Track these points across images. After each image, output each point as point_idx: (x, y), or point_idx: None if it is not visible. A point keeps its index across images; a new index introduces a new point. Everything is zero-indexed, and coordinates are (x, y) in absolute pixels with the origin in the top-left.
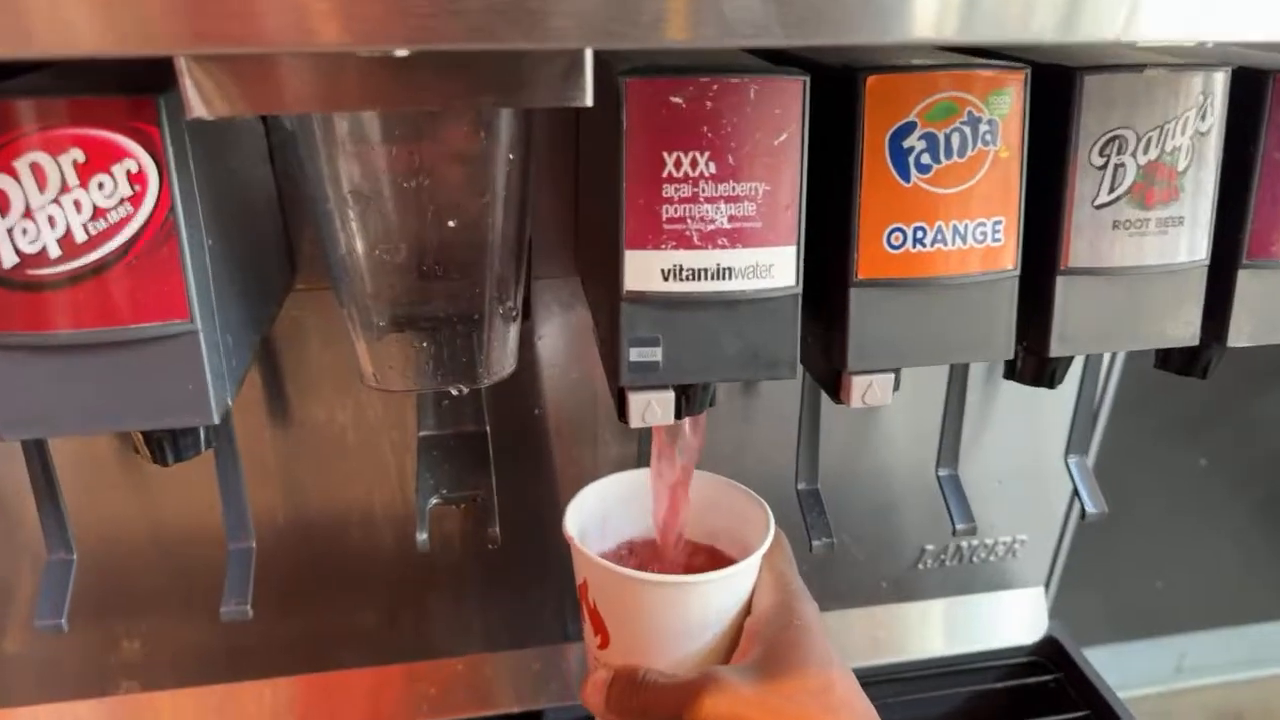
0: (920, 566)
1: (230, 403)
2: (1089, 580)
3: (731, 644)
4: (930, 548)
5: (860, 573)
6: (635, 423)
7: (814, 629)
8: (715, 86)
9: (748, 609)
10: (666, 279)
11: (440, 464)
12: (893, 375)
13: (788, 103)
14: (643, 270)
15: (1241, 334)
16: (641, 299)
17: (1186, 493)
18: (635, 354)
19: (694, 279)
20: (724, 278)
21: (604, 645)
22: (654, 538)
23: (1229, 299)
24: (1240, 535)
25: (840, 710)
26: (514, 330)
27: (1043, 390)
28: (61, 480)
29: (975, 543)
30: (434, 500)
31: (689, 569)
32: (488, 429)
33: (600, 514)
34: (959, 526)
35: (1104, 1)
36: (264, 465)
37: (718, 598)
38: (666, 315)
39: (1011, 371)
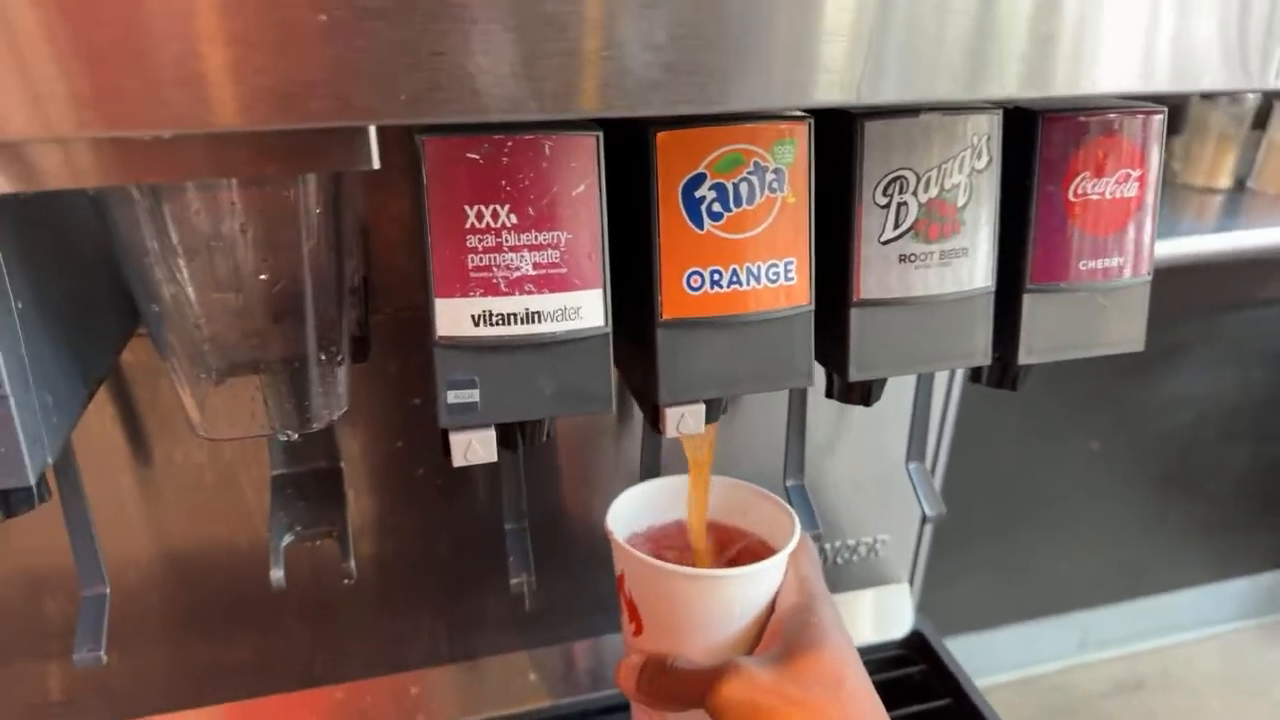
0: None
1: (50, 460)
2: (992, 564)
3: (756, 637)
4: None
5: None
6: (458, 461)
7: (831, 628)
8: (510, 143)
9: (773, 606)
10: (477, 324)
11: (294, 501)
12: (703, 405)
13: (583, 157)
14: (453, 317)
15: (1031, 353)
16: (454, 344)
17: (1082, 475)
18: (453, 396)
19: (504, 323)
20: (533, 321)
21: (638, 633)
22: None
23: (1017, 321)
24: (1134, 513)
25: (848, 702)
26: (342, 373)
27: (887, 402)
28: None
29: (839, 544)
30: (288, 538)
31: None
32: (341, 465)
33: (634, 512)
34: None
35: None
36: (124, 508)
37: (745, 592)
38: (480, 358)
39: (831, 392)
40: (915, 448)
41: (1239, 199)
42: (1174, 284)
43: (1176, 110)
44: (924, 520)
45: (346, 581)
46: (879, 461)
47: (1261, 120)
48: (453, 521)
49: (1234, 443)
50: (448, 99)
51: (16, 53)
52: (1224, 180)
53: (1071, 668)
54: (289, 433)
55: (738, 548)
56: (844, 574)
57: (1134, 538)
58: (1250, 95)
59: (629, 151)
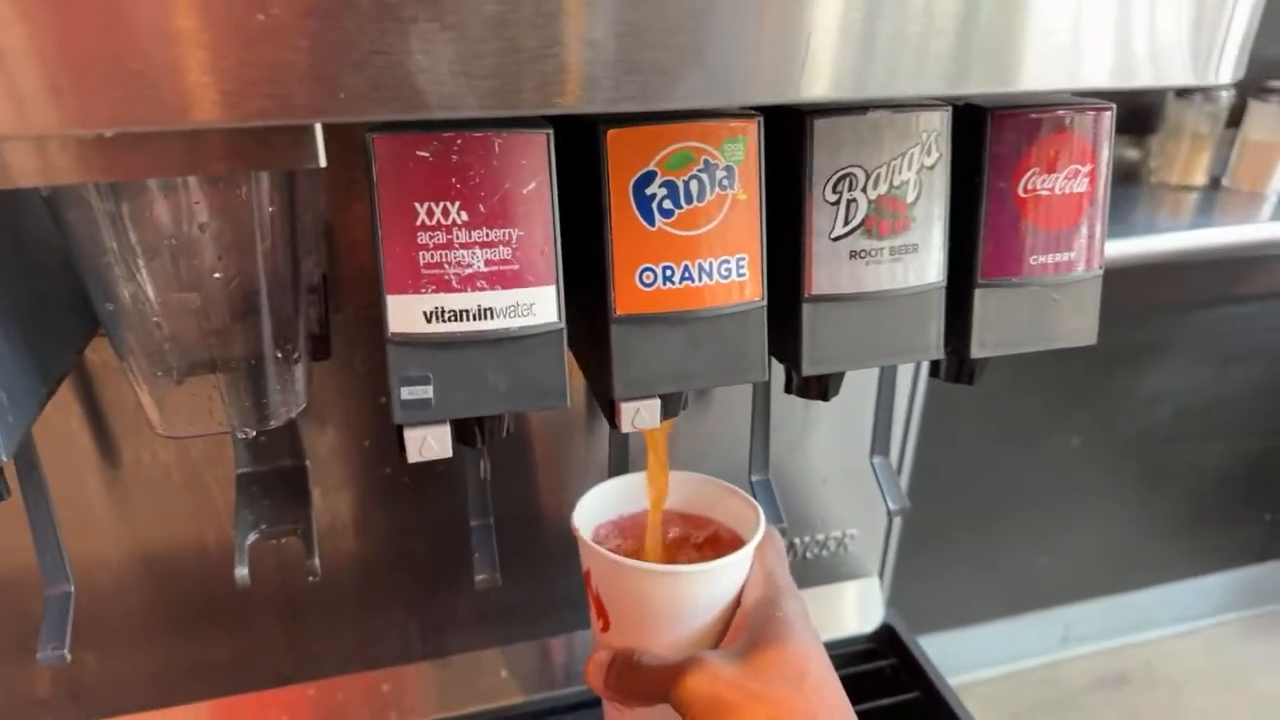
0: None
1: (5, 457)
2: (974, 559)
3: (722, 631)
4: None
5: None
6: (413, 457)
7: (795, 621)
8: (460, 141)
9: (739, 600)
10: (430, 321)
11: (259, 500)
12: (659, 400)
13: (533, 154)
14: (405, 314)
15: (984, 346)
16: (407, 340)
17: (1063, 471)
18: (406, 393)
19: (456, 320)
20: (486, 318)
21: (605, 629)
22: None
23: (969, 316)
24: (1116, 508)
25: (811, 695)
26: (299, 370)
27: (853, 397)
28: None
29: (808, 539)
30: (253, 536)
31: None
32: (306, 463)
33: (601, 505)
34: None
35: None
36: (91, 508)
37: (709, 587)
38: (434, 355)
39: (790, 388)
40: (879, 442)
41: (1214, 196)
42: (1152, 280)
43: (1151, 109)
44: (889, 514)
45: (311, 579)
46: (847, 457)
47: (1235, 118)
48: (423, 519)
49: (1212, 438)
50: (388, 97)
51: None
52: (1199, 178)
53: (1056, 662)
54: (247, 430)
55: (705, 535)
56: (814, 569)
57: (1115, 533)
58: (1224, 94)
59: (580, 148)
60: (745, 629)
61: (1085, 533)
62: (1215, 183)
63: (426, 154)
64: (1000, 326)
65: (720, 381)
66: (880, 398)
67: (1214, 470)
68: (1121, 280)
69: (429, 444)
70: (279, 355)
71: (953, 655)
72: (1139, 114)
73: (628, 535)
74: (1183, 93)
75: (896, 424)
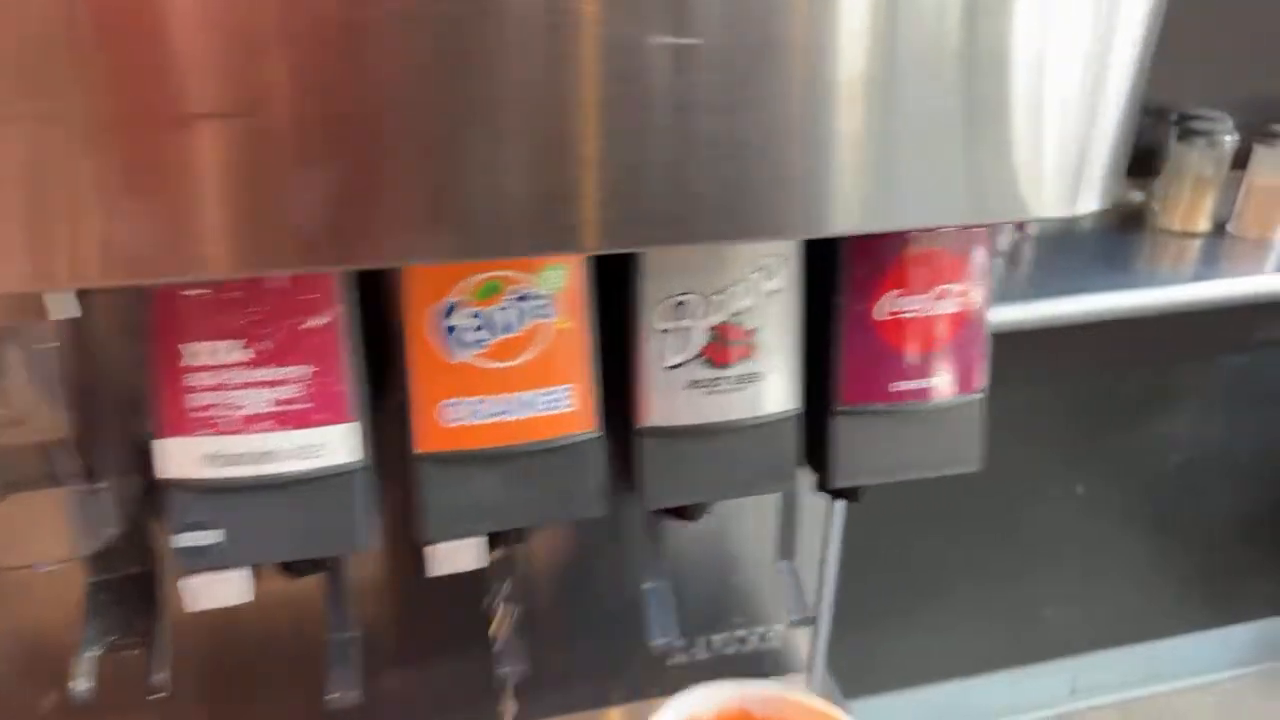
0: None
1: None
2: (983, 610)
3: None
4: None
5: None
6: (192, 607)
7: None
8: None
9: None
10: (207, 465)
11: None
12: (479, 540)
13: (324, 288)
14: (179, 457)
15: (846, 476)
16: (183, 485)
17: (1067, 520)
18: (186, 539)
19: (235, 464)
20: (268, 461)
21: None
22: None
23: (826, 444)
24: (1122, 558)
25: None
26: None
27: None
28: None
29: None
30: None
31: None
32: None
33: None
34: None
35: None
36: None
37: None
38: (216, 499)
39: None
40: (785, 546)
41: (1219, 243)
42: (1161, 327)
43: (1154, 150)
44: (790, 624)
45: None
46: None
47: (1241, 161)
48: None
49: (1223, 487)
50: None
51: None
52: (1203, 224)
53: (1064, 715)
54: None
55: None
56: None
57: (1124, 583)
58: (1227, 137)
59: (387, 278)
60: None
61: (1094, 582)
62: (1220, 228)
63: (200, 291)
64: (864, 455)
65: (551, 517)
66: (784, 503)
67: (1227, 520)
68: (1125, 329)
69: (213, 590)
70: None
71: (960, 705)
72: (1141, 155)
73: None
74: (1185, 135)
75: None
